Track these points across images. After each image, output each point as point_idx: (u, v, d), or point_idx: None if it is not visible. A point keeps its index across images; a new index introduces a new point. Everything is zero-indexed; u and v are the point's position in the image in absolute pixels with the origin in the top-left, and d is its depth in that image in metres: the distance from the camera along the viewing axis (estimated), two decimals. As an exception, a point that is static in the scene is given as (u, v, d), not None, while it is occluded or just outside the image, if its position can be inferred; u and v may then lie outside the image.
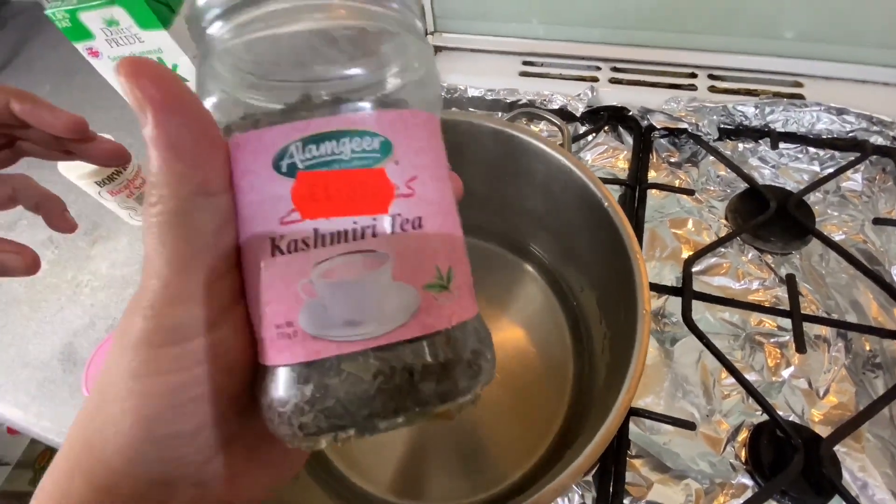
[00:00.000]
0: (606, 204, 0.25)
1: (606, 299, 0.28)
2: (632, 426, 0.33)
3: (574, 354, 0.34)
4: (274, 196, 0.11)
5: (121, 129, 0.56)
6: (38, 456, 1.04)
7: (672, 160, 0.48)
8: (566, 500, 0.32)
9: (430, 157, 0.12)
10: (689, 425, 0.32)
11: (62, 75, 0.66)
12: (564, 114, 0.51)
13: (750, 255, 0.41)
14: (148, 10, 0.38)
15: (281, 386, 0.11)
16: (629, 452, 0.33)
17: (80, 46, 0.41)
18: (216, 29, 0.12)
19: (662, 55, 0.52)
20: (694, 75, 0.52)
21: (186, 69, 0.43)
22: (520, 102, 0.53)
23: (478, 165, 0.34)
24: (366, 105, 0.11)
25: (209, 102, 0.12)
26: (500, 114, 0.52)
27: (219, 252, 0.12)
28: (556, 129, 0.38)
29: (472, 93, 0.54)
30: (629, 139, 0.49)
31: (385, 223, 0.11)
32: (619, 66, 0.54)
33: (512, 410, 0.34)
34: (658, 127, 0.48)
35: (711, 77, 0.52)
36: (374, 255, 0.11)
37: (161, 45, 0.41)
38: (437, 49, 0.59)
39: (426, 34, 0.57)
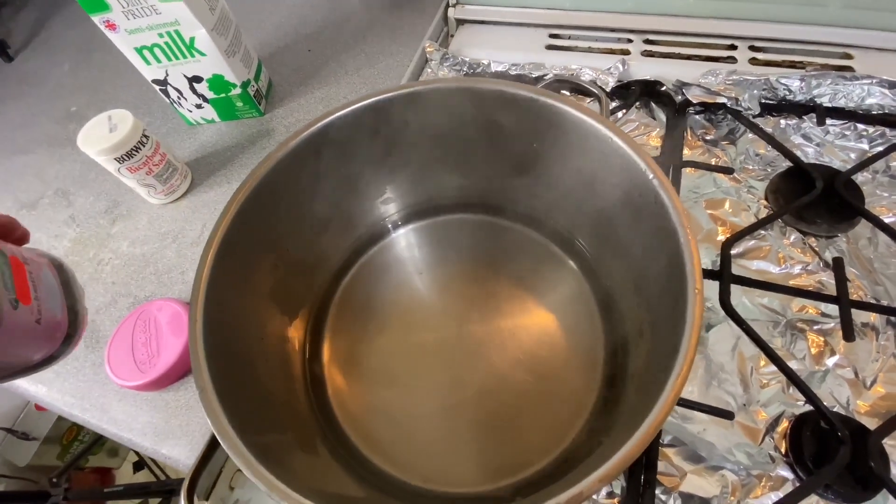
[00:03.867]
0: (651, 176, 0.23)
1: (648, 281, 0.26)
2: (664, 414, 0.32)
3: (605, 339, 0.32)
4: None
5: (139, 108, 0.56)
6: (66, 432, 1.08)
7: (708, 137, 0.46)
8: (593, 487, 0.31)
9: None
10: (726, 414, 0.30)
11: (81, 53, 0.65)
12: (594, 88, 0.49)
13: (792, 237, 0.39)
14: (164, -22, 0.36)
15: None
16: (661, 441, 0.32)
17: (97, 19, 0.40)
18: None
19: (699, 25, 0.49)
20: (733, 47, 0.49)
21: (204, 42, 0.42)
22: (546, 77, 0.50)
23: (501, 136, 0.32)
24: None
25: None
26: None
27: None
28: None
29: (495, 67, 0.52)
30: (662, 115, 0.47)
31: None
32: (652, 37, 0.51)
33: (539, 396, 0.33)
34: (694, 102, 0.45)
35: (752, 49, 0.48)
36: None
37: (178, 16, 0.40)
38: (460, 22, 0.57)
39: (448, 6, 0.55)
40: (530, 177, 0.33)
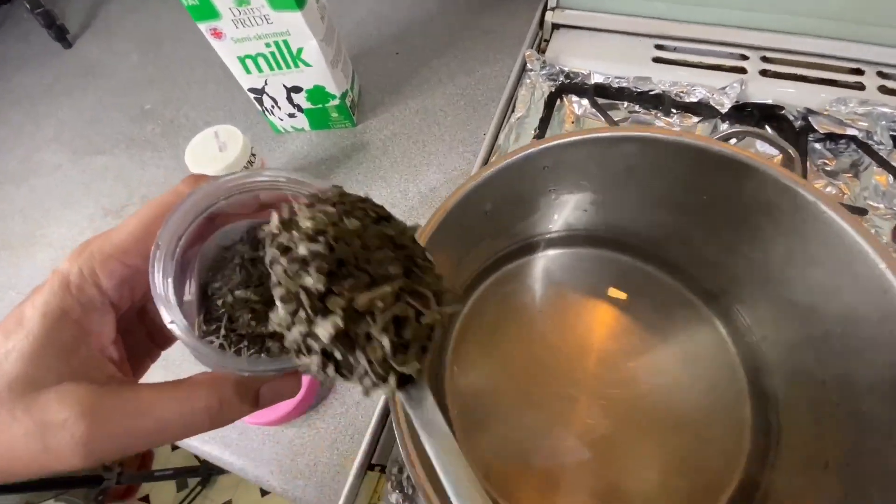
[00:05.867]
0: (884, 266, 0.21)
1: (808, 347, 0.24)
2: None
3: (752, 402, 0.31)
4: None
5: (218, 109, 0.53)
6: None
7: (828, 168, 0.43)
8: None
9: None
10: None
11: (148, 44, 0.62)
12: (706, 108, 0.46)
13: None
14: (287, -10, 0.34)
15: None
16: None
17: (203, 27, 0.37)
18: None
19: (822, 46, 0.46)
20: (859, 71, 0.46)
21: (312, 54, 0.40)
22: (652, 92, 0.48)
23: (670, 183, 0.30)
24: None
25: None
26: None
27: None
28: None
29: (595, 79, 0.49)
30: (780, 142, 0.44)
31: None
32: (769, 55, 0.48)
33: (673, 460, 0.31)
34: (820, 131, 0.43)
35: (881, 75, 0.45)
36: None
37: (290, 27, 0.37)
38: (556, 27, 0.53)
39: (546, 9, 0.52)
40: (689, 222, 0.31)
